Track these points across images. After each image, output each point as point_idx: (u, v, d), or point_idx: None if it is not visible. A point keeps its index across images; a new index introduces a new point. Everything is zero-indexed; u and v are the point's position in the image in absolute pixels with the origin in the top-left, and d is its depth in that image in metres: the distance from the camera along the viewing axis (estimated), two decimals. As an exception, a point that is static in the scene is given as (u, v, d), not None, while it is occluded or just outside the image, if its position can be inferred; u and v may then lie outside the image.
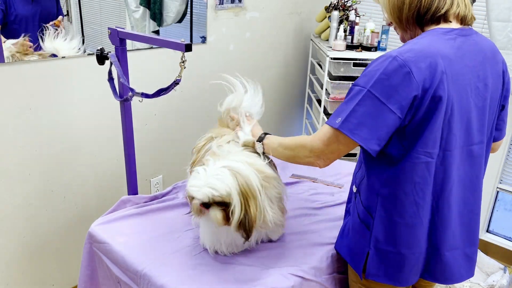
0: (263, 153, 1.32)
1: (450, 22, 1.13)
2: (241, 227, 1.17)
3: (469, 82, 1.09)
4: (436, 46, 1.05)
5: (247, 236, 1.18)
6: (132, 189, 1.70)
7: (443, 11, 1.11)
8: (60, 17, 1.77)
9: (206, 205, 1.16)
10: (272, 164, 1.36)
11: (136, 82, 1.84)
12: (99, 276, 1.46)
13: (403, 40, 1.24)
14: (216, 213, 1.15)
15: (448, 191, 1.13)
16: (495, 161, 2.46)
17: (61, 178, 1.91)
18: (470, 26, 1.17)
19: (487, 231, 2.65)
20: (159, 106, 2.20)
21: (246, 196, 1.15)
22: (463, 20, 1.14)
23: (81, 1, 1.78)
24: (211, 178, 1.13)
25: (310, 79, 3.01)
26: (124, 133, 1.63)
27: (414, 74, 1.00)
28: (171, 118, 2.29)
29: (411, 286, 1.27)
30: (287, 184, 1.81)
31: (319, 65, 2.79)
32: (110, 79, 1.54)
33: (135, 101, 1.84)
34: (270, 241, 1.41)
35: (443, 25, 1.12)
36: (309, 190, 1.76)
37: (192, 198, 1.17)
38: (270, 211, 1.22)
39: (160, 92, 1.48)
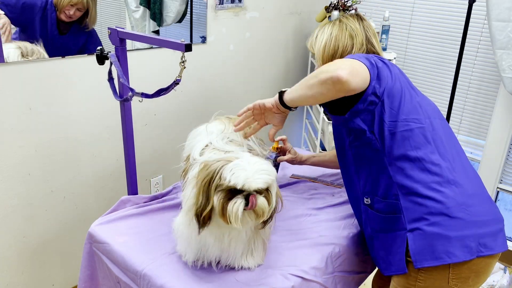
0: (285, 105, 1.27)
1: None
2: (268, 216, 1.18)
3: (404, 79, 1.31)
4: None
5: (265, 223, 1.20)
6: (132, 189, 1.70)
7: None
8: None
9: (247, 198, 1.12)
10: None
11: (136, 82, 1.84)
12: (99, 276, 1.46)
13: None
14: (263, 201, 1.13)
15: (452, 151, 1.26)
16: (495, 161, 2.46)
17: (61, 178, 1.91)
18: None
19: (487, 231, 2.65)
20: (159, 106, 2.20)
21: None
22: None
23: (81, 1, 1.79)
24: (257, 165, 1.13)
25: (310, 79, 3.00)
26: (124, 133, 1.62)
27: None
28: (171, 118, 2.29)
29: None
30: (287, 184, 1.81)
31: (319, 65, 2.79)
32: (110, 79, 1.54)
33: (135, 101, 1.84)
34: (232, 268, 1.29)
35: None
36: (309, 190, 1.76)
37: (231, 199, 1.12)
38: None
39: (160, 92, 1.48)
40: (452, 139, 1.30)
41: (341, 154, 1.42)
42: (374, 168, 1.28)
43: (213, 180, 1.13)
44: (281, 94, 1.27)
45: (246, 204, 1.11)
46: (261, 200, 1.13)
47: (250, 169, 1.11)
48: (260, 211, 1.14)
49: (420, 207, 1.20)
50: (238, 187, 1.09)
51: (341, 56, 1.37)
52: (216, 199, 1.13)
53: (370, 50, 1.39)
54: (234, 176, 1.10)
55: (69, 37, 1.76)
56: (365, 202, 1.35)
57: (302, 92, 1.20)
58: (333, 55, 1.38)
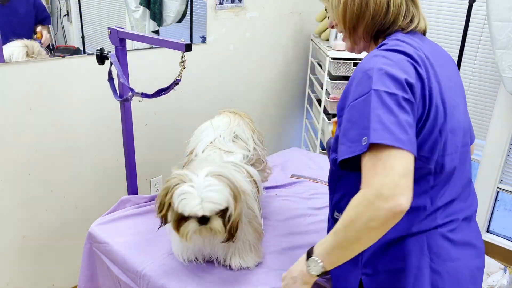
0: (322, 270, 0.94)
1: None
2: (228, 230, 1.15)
3: (446, 78, 1.02)
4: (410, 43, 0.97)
5: (232, 237, 1.16)
6: (132, 189, 1.70)
7: (408, 29, 1.01)
8: (39, 28, 1.69)
9: (204, 220, 1.11)
10: (253, 182, 1.34)
11: (136, 82, 1.84)
12: (99, 276, 1.46)
13: (352, 50, 1.11)
14: (218, 223, 1.11)
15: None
16: (495, 161, 2.46)
17: (61, 178, 1.91)
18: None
19: (487, 231, 2.65)
20: (159, 106, 2.20)
21: (236, 198, 1.14)
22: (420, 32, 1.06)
23: (81, 1, 1.78)
24: (206, 192, 1.09)
25: (310, 79, 3.00)
26: (124, 133, 1.63)
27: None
28: (171, 118, 2.29)
29: None
30: (287, 184, 1.81)
31: (319, 65, 2.79)
32: (110, 79, 1.54)
33: (135, 101, 1.84)
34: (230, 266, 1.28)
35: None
36: (309, 190, 1.76)
37: (185, 218, 1.12)
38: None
39: (160, 92, 1.48)
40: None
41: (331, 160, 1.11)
42: (355, 186, 0.94)
43: (167, 196, 1.13)
44: (317, 269, 0.92)
45: (201, 224, 1.11)
46: (216, 223, 1.11)
47: (197, 197, 1.08)
48: (217, 231, 1.13)
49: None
50: (185, 214, 1.10)
51: (368, 23, 1.00)
52: (170, 216, 1.14)
53: (410, 9, 1.01)
54: (181, 204, 1.09)
55: (15, 7, 1.61)
56: (335, 215, 1.12)
57: (348, 251, 0.88)
58: (358, 17, 1.00)
